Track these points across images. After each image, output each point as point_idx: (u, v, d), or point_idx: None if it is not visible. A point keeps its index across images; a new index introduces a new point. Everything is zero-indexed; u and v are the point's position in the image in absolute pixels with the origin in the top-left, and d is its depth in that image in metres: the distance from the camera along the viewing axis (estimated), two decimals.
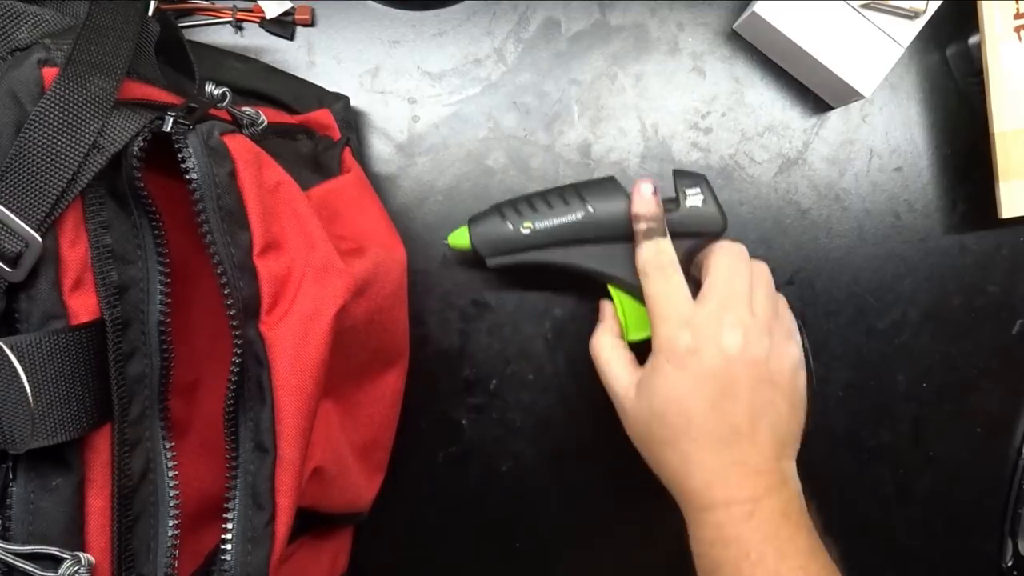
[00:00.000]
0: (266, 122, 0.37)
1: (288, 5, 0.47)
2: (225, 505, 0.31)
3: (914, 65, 0.51)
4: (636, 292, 0.43)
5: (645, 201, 0.42)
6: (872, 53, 0.46)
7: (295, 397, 0.31)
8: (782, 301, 0.43)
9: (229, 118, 0.35)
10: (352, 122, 0.47)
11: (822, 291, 0.52)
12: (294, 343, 0.31)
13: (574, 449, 0.52)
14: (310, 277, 0.32)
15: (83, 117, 0.27)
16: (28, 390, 0.27)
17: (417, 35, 0.49)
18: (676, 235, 0.42)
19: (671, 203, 0.43)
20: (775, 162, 0.51)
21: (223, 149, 0.30)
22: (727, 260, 0.41)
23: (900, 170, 0.51)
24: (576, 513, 0.53)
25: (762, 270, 0.42)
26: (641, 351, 0.43)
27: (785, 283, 0.52)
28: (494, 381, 0.51)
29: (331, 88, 0.47)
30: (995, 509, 0.54)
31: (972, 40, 0.49)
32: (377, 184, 0.48)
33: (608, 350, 0.44)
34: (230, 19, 0.47)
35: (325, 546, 0.43)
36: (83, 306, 0.29)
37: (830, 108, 0.51)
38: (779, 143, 0.51)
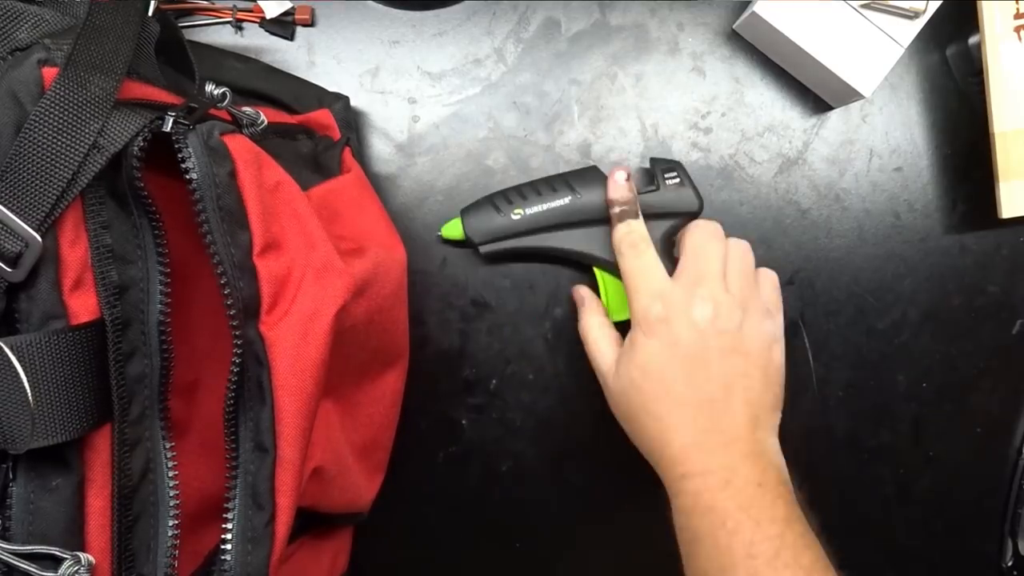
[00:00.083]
0: (266, 122, 0.37)
1: (288, 5, 0.47)
2: (225, 505, 0.31)
3: (914, 65, 0.51)
4: (618, 272, 0.45)
5: (619, 187, 0.45)
6: (872, 53, 0.46)
7: (295, 397, 0.31)
8: (768, 279, 0.45)
9: (229, 118, 0.35)
10: (352, 122, 0.47)
11: (822, 291, 0.52)
12: (294, 343, 0.31)
13: (574, 449, 0.52)
14: (310, 277, 0.32)
15: (83, 117, 0.27)
16: (28, 390, 0.27)
17: (417, 35, 0.49)
18: (656, 216, 0.46)
19: (650, 187, 0.46)
20: (775, 162, 0.51)
21: (223, 149, 0.30)
22: (701, 237, 0.43)
23: (900, 170, 0.52)
24: (576, 513, 0.53)
25: (740, 248, 0.44)
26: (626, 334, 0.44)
27: (785, 283, 0.52)
28: (494, 381, 0.51)
29: (331, 88, 0.47)
30: (995, 509, 0.54)
31: (972, 40, 0.49)
32: (377, 184, 0.48)
33: (596, 329, 0.45)
34: (230, 19, 0.47)
35: (325, 546, 0.43)
36: (83, 306, 0.29)
37: (830, 108, 0.51)
38: (779, 143, 0.51)
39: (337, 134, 0.44)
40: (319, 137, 0.43)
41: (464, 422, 0.51)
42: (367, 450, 0.42)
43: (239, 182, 0.30)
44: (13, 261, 0.27)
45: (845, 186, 0.51)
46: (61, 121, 0.27)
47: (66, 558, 0.28)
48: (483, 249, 0.47)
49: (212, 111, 0.34)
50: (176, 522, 0.32)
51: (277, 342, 0.31)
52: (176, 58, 0.35)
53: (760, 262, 0.47)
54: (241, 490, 0.31)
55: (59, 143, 0.27)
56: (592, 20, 0.49)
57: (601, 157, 0.50)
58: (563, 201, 0.46)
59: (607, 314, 0.47)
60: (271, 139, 0.38)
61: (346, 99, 0.46)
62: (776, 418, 0.42)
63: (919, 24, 0.46)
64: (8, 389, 0.27)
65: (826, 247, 0.52)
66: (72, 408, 0.28)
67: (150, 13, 0.32)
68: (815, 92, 0.50)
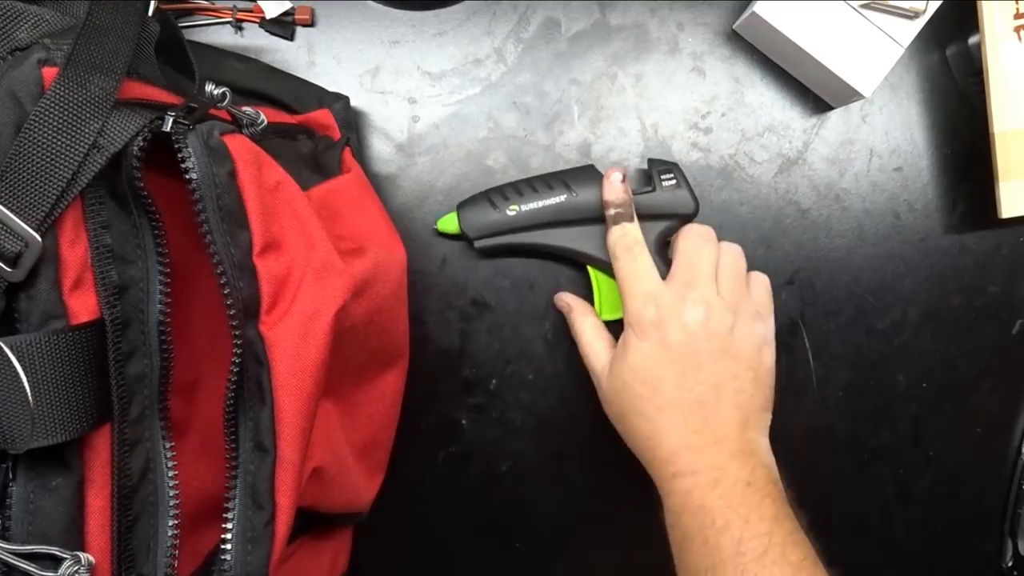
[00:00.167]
0: (266, 122, 0.37)
1: (288, 5, 0.47)
2: (225, 505, 0.31)
3: (914, 65, 0.51)
4: (612, 271, 0.45)
5: (614, 188, 0.45)
6: (872, 53, 0.46)
7: (295, 397, 0.31)
8: (760, 282, 0.45)
9: (229, 118, 0.35)
10: (352, 122, 0.47)
11: (822, 291, 0.52)
12: (294, 343, 0.31)
13: (574, 449, 0.52)
14: (310, 277, 0.32)
15: (83, 117, 0.27)
16: (28, 390, 0.27)
17: (417, 35, 0.49)
18: (652, 217, 0.46)
19: (647, 188, 0.46)
20: (775, 162, 0.51)
21: (223, 149, 0.30)
22: (693, 242, 0.43)
23: (900, 170, 0.51)
24: (576, 513, 0.53)
25: (731, 252, 0.44)
26: (618, 334, 0.45)
27: (785, 283, 0.52)
28: (494, 381, 0.51)
29: (331, 88, 0.47)
30: (995, 509, 0.54)
31: (972, 40, 0.49)
32: (377, 184, 0.48)
33: (589, 331, 0.46)
34: (230, 19, 0.47)
35: (325, 546, 0.43)
36: (83, 306, 0.29)
37: (830, 108, 0.51)
38: (779, 143, 0.51)
39: (337, 134, 0.44)
40: (319, 137, 0.43)
41: (464, 422, 0.51)
42: (367, 450, 0.42)
43: (239, 182, 0.30)
44: (13, 261, 0.27)
45: (845, 186, 0.51)
46: (61, 121, 0.27)
47: (66, 558, 0.28)
48: (478, 244, 0.47)
49: (212, 111, 0.34)
50: (176, 522, 0.32)
51: (277, 342, 0.31)
52: (176, 58, 0.35)
53: (760, 262, 0.47)
54: (241, 490, 0.31)
55: (59, 143, 0.27)
56: (592, 20, 0.49)
57: (601, 157, 0.50)
58: (559, 199, 0.46)
59: (599, 314, 0.48)
60: (271, 139, 0.38)
61: (346, 99, 0.46)
62: (766, 419, 0.43)
63: (919, 24, 0.46)
64: (8, 389, 0.27)
65: (826, 247, 0.52)
66: (72, 408, 0.28)
67: (150, 13, 0.32)
68: (815, 92, 0.50)
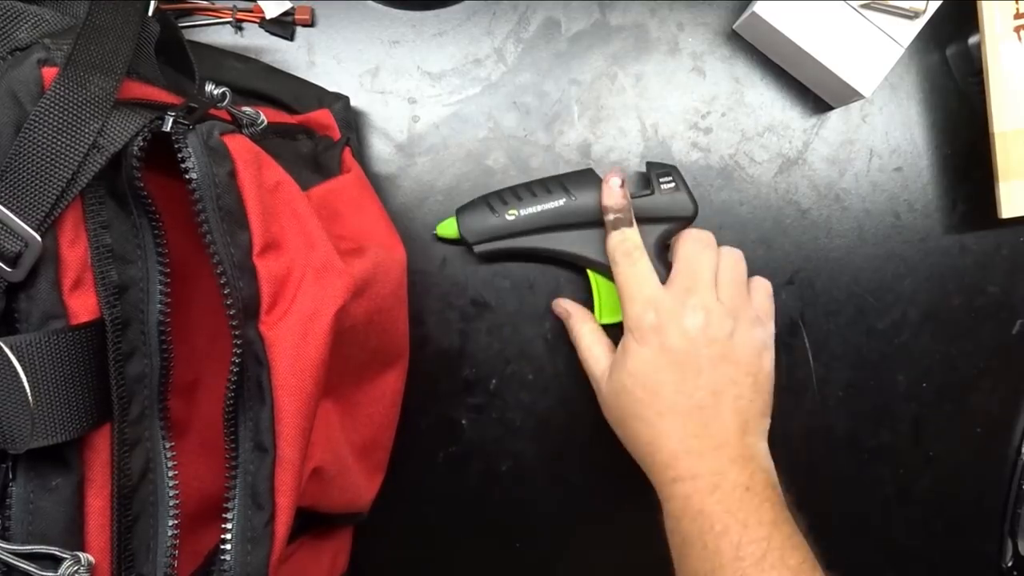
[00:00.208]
0: (266, 122, 0.37)
1: (288, 5, 0.47)
2: (225, 505, 0.31)
3: (914, 65, 0.51)
4: (611, 275, 0.45)
5: (613, 193, 0.45)
6: (872, 53, 0.46)
7: (295, 397, 0.31)
8: (761, 287, 0.45)
9: (229, 118, 0.35)
10: (352, 122, 0.47)
11: (822, 291, 0.52)
12: (294, 343, 0.31)
13: (574, 449, 0.52)
14: (310, 277, 0.32)
15: (83, 117, 0.27)
16: (28, 390, 0.27)
17: (417, 35, 0.49)
18: (651, 220, 0.46)
19: (645, 191, 0.46)
20: (775, 162, 0.51)
21: (223, 149, 0.30)
22: (693, 248, 0.43)
23: (900, 170, 0.51)
24: (576, 513, 0.53)
25: (732, 257, 0.44)
26: (616, 339, 0.45)
27: (785, 283, 0.52)
28: (494, 381, 0.51)
29: (331, 88, 0.47)
30: (995, 509, 0.54)
31: (972, 40, 0.49)
32: (377, 184, 0.48)
33: (588, 336, 0.46)
34: (230, 19, 0.47)
35: (325, 546, 0.43)
36: (83, 306, 0.29)
37: (830, 108, 0.51)
38: (779, 143, 0.51)
39: (337, 134, 0.44)
40: (319, 137, 0.43)
41: (464, 422, 0.51)
42: (367, 450, 0.42)
43: (239, 182, 0.30)
44: (13, 261, 0.27)
45: (845, 186, 0.51)
46: (61, 121, 0.27)
47: (66, 558, 0.28)
48: (477, 249, 0.47)
49: (212, 111, 0.34)
50: (176, 522, 0.32)
51: (277, 342, 0.31)
52: (176, 58, 0.35)
53: (760, 262, 0.47)
54: (241, 490, 0.31)
55: (59, 143, 0.27)
56: (592, 20, 0.49)
57: (601, 157, 0.50)
58: (557, 203, 0.46)
59: (598, 317, 0.48)
60: (271, 139, 0.38)
61: (346, 99, 0.46)
62: (765, 423, 0.43)
63: (919, 24, 0.46)
64: (8, 389, 0.27)
65: (826, 247, 0.52)
66: (72, 408, 0.28)
67: (150, 13, 0.32)
68: (815, 92, 0.50)
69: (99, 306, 0.29)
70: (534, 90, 0.49)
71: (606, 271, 0.46)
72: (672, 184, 0.46)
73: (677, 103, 0.50)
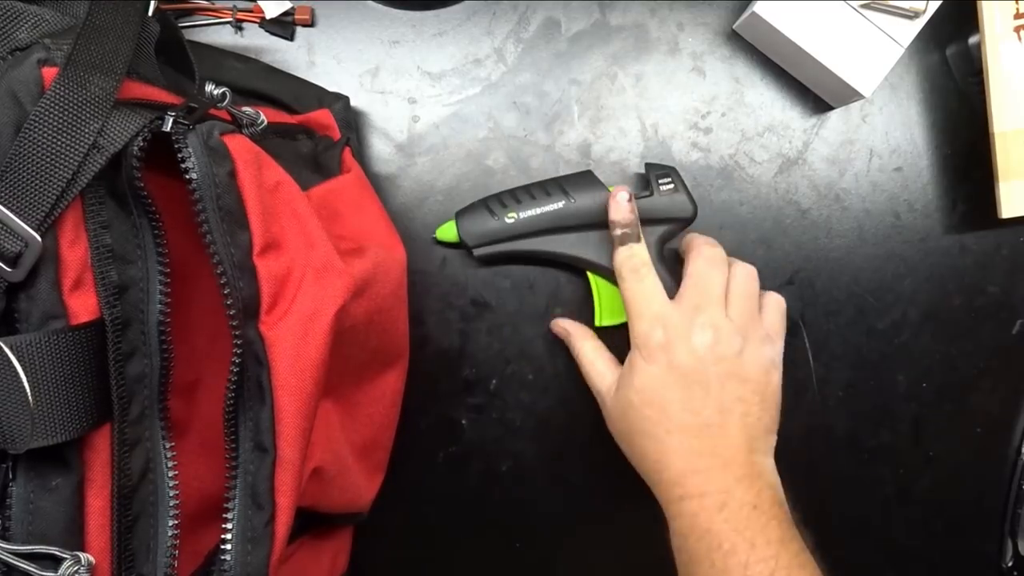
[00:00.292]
0: (266, 122, 0.37)
1: (288, 5, 0.47)
2: (225, 505, 0.31)
3: (914, 65, 0.51)
4: (611, 277, 0.45)
5: (621, 208, 0.44)
6: (872, 53, 0.46)
7: (295, 397, 0.31)
8: (774, 304, 0.45)
9: (229, 118, 0.35)
10: (352, 122, 0.47)
11: (822, 291, 0.52)
12: (294, 343, 0.31)
13: (574, 449, 0.52)
14: (310, 277, 0.32)
15: (83, 117, 0.27)
16: (28, 390, 0.27)
17: (417, 35, 0.49)
18: (650, 221, 0.46)
19: (645, 193, 0.47)
20: (775, 162, 0.51)
21: (223, 149, 0.30)
22: (704, 265, 0.43)
23: (900, 170, 0.51)
24: (576, 513, 0.53)
25: (743, 273, 0.44)
26: (616, 342, 0.45)
27: (785, 283, 0.52)
28: (494, 381, 0.51)
29: (331, 88, 0.47)
30: (995, 509, 0.54)
31: (972, 40, 0.49)
32: (377, 184, 0.48)
33: (591, 352, 0.46)
34: (230, 19, 0.47)
35: (325, 546, 0.43)
36: (83, 306, 0.29)
37: (830, 108, 0.51)
38: (779, 143, 0.51)
39: (337, 134, 0.44)
40: (319, 137, 0.43)
41: (464, 422, 0.51)
42: (367, 450, 0.42)
43: (239, 182, 0.30)
44: (13, 261, 0.27)
45: (845, 186, 0.51)
46: (61, 121, 0.27)
47: (66, 558, 0.28)
48: (477, 252, 0.47)
49: (212, 111, 0.34)
50: (176, 522, 0.32)
51: (277, 342, 0.31)
52: (176, 58, 0.35)
53: (760, 262, 0.47)
54: (241, 490, 0.31)
55: (59, 143, 0.27)
56: (592, 20, 0.49)
57: (601, 157, 0.50)
58: (557, 205, 0.46)
59: (599, 320, 0.48)
60: (271, 139, 0.38)
61: (346, 99, 0.46)
62: (772, 440, 0.43)
63: (919, 24, 0.46)
64: (8, 389, 0.27)
65: (826, 247, 0.52)
66: (72, 408, 0.28)
67: (150, 13, 0.32)
68: (815, 92, 0.50)
69: (99, 306, 0.29)
70: (534, 90, 0.49)
71: (606, 273, 0.46)
72: (671, 185, 0.46)
73: (677, 103, 0.50)
